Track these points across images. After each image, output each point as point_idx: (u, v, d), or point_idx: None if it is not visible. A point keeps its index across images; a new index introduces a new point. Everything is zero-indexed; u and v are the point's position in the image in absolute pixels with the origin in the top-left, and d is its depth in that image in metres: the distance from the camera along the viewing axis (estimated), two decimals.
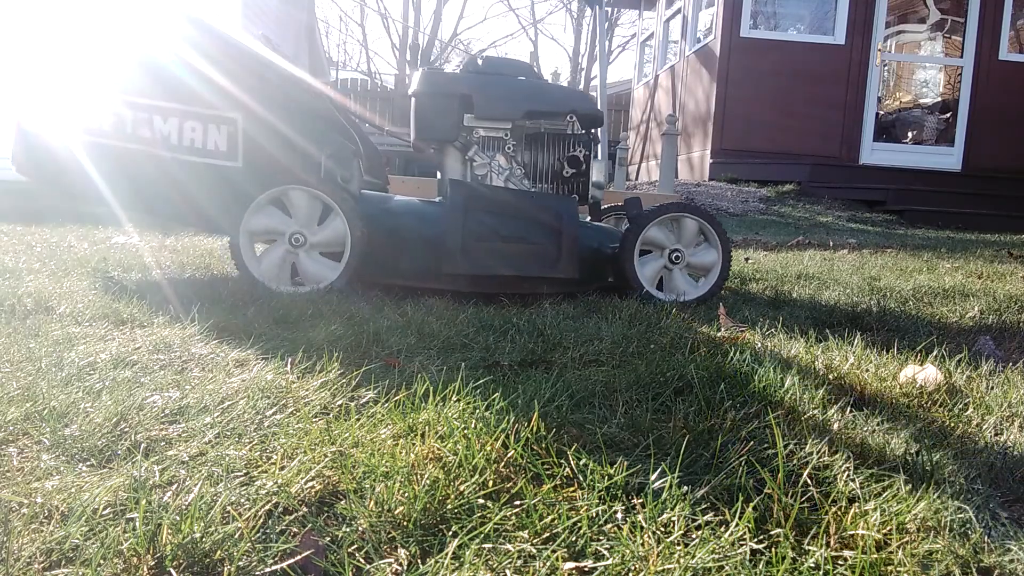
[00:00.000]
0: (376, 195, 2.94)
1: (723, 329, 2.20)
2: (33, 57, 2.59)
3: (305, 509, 1.02)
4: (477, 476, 1.09)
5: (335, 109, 2.90)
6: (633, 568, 0.90)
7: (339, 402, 1.42)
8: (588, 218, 3.16)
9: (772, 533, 0.96)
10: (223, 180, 2.63)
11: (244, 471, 1.11)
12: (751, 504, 1.01)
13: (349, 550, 0.93)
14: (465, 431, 1.20)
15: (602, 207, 3.21)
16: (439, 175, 3.11)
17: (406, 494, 1.02)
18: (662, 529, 0.98)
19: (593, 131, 3.05)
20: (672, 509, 1.01)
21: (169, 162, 2.58)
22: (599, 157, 3.04)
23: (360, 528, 0.97)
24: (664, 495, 1.05)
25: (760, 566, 0.91)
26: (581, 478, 1.11)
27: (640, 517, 1.00)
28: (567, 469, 1.13)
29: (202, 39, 2.64)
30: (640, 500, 1.05)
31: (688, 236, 2.85)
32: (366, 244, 2.65)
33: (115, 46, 2.58)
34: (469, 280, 2.73)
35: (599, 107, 3.06)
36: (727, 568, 0.90)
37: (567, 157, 2.98)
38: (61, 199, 4.75)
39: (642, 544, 0.93)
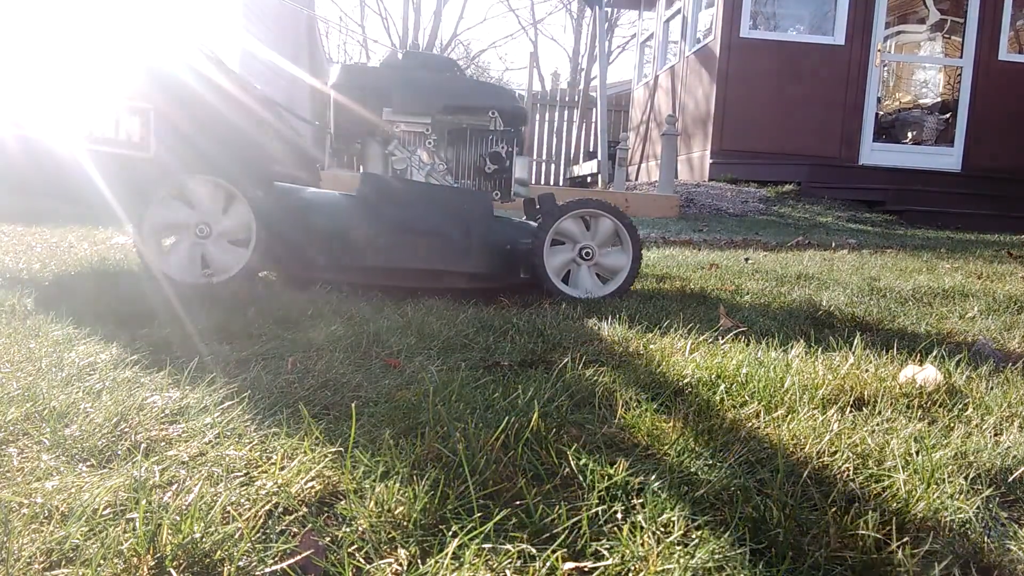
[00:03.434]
0: (288, 186, 2.91)
1: (722, 329, 2.20)
2: None
3: (305, 509, 1.02)
4: (477, 476, 1.09)
5: (263, 102, 2.85)
6: (633, 568, 0.90)
7: (339, 402, 1.42)
8: (523, 217, 3.15)
9: (772, 533, 0.97)
10: (136, 171, 2.58)
11: (244, 471, 1.11)
12: (751, 504, 1.01)
13: (349, 550, 0.93)
14: (465, 431, 1.20)
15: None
16: (360, 169, 3.09)
17: (406, 494, 1.02)
18: (662, 529, 0.98)
19: (518, 128, 3.03)
20: (672, 509, 1.01)
21: (84, 153, 2.53)
22: (523, 154, 3.03)
23: (360, 528, 0.97)
24: (664, 495, 1.05)
25: (760, 566, 0.91)
26: (581, 478, 1.11)
27: (640, 517, 1.00)
28: (567, 469, 1.13)
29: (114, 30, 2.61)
30: (640, 500, 1.05)
31: (603, 236, 2.82)
32: (272, 229, 2.63)
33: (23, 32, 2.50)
34: (380, 273, 2.72)
35: (524, 105, 3.05)
36: (727, 568, 0.90)
37: (489, 153, 2.96)
38: (61, 199, 4.75)
39: (642, 544, 0.93)
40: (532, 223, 3.11)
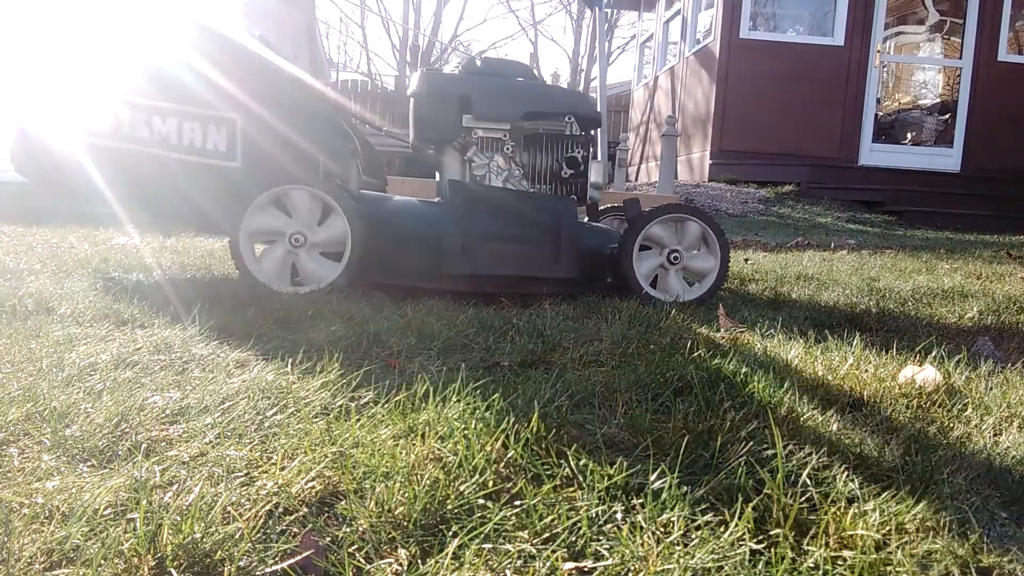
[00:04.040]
0: (375, 195, 2.94)
1: (723, 330, 2.21)
2: (33, 57, 2.59)
3: (305, 509, 1.02)
4: (477, 476, 1.09)
5: (334, 110, 2.90)
6: (633, 568, 0.90)
7: (339, 403, 1.42)
8: (586, 219, 3.17)
9: (771, 533, 0.97)
10: (222, 180, 2.63)
11: (245, 471, 1.11)
12: (750, 504, 1.02)
13: (349, 550, 0.93)
14: (465, 431, 1.20)
15: (600, 208, 3.22)
16: (437, 176, 3.11)
17: (406, 494, 1.02)
18: (662, 529, 0.98)
19: (592, 132, 3.06)
20: (672, 509, 1.01)
21: (168, 162, 2.59)
22: (598, 158, 3.05)
23: (360, 528, 0.97)
24: (664, 495, 1.05)
25: (759, 566, 0.91)
26: (581, 478, 1.11)
27: (640, 517, 1.00)
28: (567, 469, 1.13)
29: (202, 40, 2.65)
30: (640, 500, 1.05)
31: (690, 239, 2.85)
32: (366, 243, 2.65)
33: (117, 47, 2.57)
34: (468, 280, 2.73)
35: (598, 108, 3.06)
36: (726, 568, 0.90)
37: (565, 158, 2.98)
38: (62, 199, 4.75)
39: (642, 544, 0.93)
40: (605, 226, 3.17)
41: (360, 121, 3.03)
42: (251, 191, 2.62)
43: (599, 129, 3.09)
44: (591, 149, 3.02)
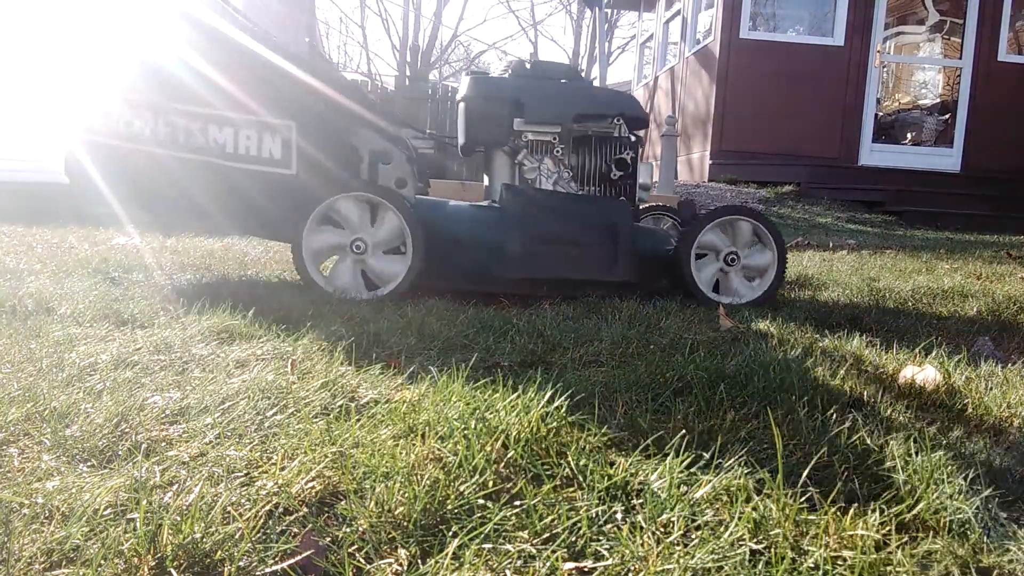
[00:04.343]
0: (431, 200, 2.95)
1: (722, 329, 2.21)
2: (87, 65, 2.58)
3: (305, 509, 1.02)
4: (477, 476, 1.09)
5: (384, 115, 2.92)
6: (633, 568, 0.90)
7: (339, 403, 1.42)
8: None
9: (771, 533, 0.97)
10: (278, 188, 2.63)
11: (245, 471, 1.11)
12: (750, 504, 1.01)
13: (349, 550, 0.93)
14: (465, 432, 1.20)
15: (640, 207, 3.23)
16: (486, 179, 3.12)
17: (406, 494, 1.02)
18: (662, 529, 0.98)
19: (639, 134, 3.06)
20: (672, 509, 1.01)
21: (223, 170, 2.59)
22: (646, 159, 3.06)
23: (360, 528, 0.97)
24: (664, 495, 1.05)
25: (759, 566, 0.91)
26: (581, 478, 1.11)
27: (640, 517, 1.00)
28: (567, 469, 1.13)
29: (255, 47, 2.66)
30: (640, 500, 1.05)
31: (743, 238, 2.84)
32: (425, 234, 2.64)
33: (172, 56, 2.56)
34: (523, 283, 2.75)
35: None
36: (726, 568, 0.90)
37: (615, 160, 2.99)
38: (66, 200, 4.76)
39: (642, 544, 0.93)
40: (655, 227, 3.19)
41: (405, 124, 3.03)
42: (307, 199, 2.62)
43: (646, 131, 3.11)
44: (639, 150, 3.02)
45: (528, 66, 3.01)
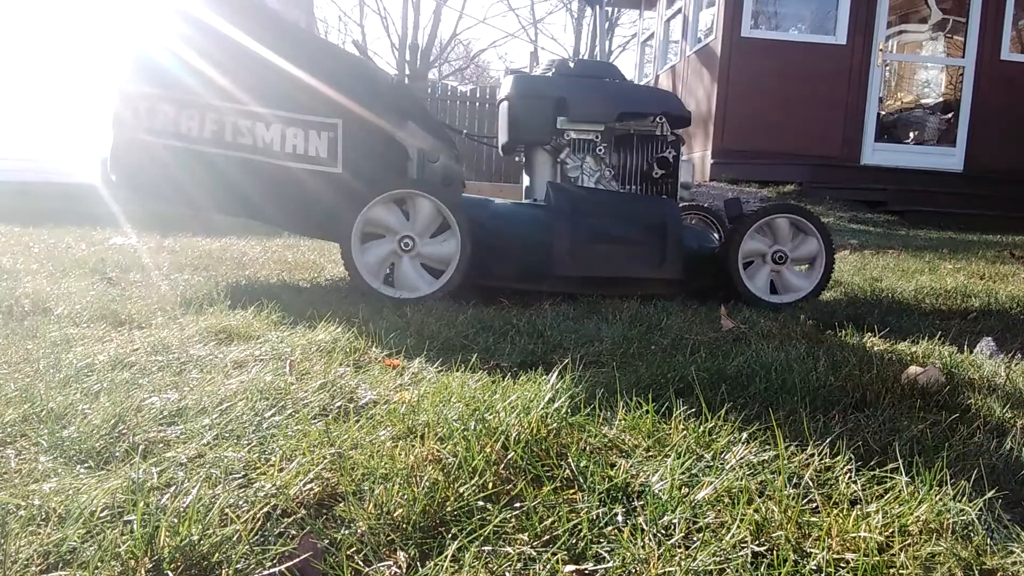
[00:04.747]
0: (478, 199, 2.95)
1: (724, 330, 2.20)
2: (128, 64, 2.57)
3: (304, 511, 1.01)
4: (477, 478, 1.08)
5: (431, 114, 2.92)
6: (634, 570, 0.89)
7: (338, 404, 1.41)
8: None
9: (774, 535, 0.96)
10: (327, 186, 2.62)
11: (242, 473, 1.11)
12: (752, 506, 1.01)
13: (348, 552, 0.92)
14: (465, 433, 1.20)
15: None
16: (527, 178, 3.12)
17: (405, 496, 1.01)
18: (663, 531, 0.97)
19: (679, 131, 3.07)
20: (673, 511, 1.01)
21: (270, 168, 2.59)
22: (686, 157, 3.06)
23: (359, 530, 0.97)
24: (665, 497, 1.04)
25: (761, 569, 0.90)
26: (581, 480, 1.10)
27: (641, 519, 0.99)
28: (567, 471, 1.13)
29: (308, 46, 2.66)
30: (641, 502, 1.04)
31: (783, 234, 2.84)
32: (468, 264, 2.63)
33: (219, 54, 2.55)
34: (572, 282, 2.74)
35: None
36: (728, 571, 0.89)
37: (656, 158, 2.98)
38: (68, 201, 4.76)
39: (643, 546, 0.93)
40: (704, 229, 3.22)
41: (443, 124, 3.03)
42: (354, 197, 2.61)
43: (687, 129, 3.12)
44: (680, 148, 3.02)
45: (571, 64, 3.00)
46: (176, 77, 2.54)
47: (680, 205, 3.38)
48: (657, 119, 2.99)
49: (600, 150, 2.94)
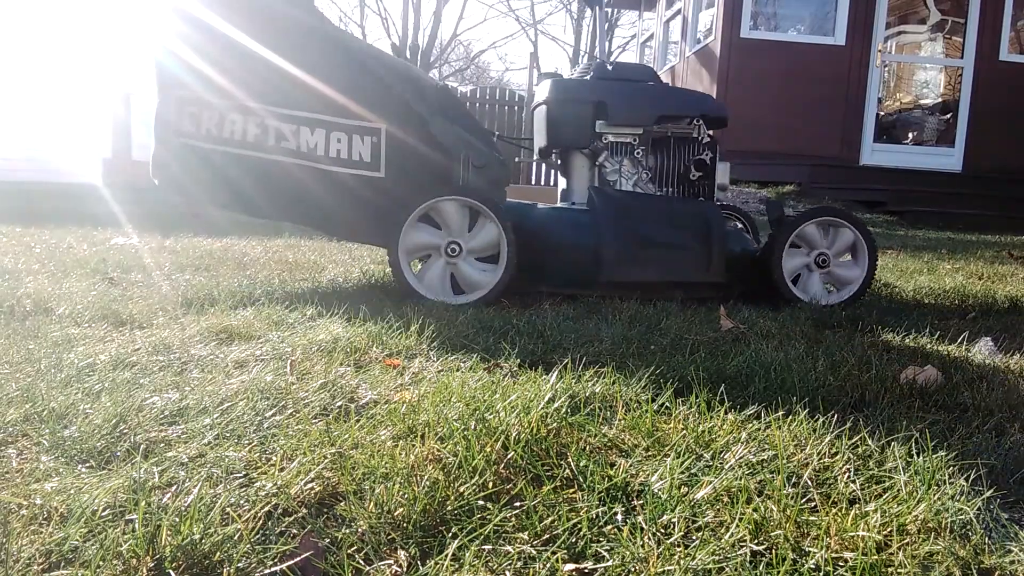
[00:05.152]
0: (521, 204, 2.94)
1: (723, 330, 2.20)
2: (173, 66, 2.57)
3: (304, 511, 1.02)
4: (477, 477, 1.08)
5: (474, 118, 2.91)
6: (633, 569, 0.90)
7: (339, 403, 1.42)
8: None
9: (772, 535, 0.96)
10: (370, 191, 2.62)
11: (243, 472, 1.11)
12: (751, 505, 1.01)
13: (349, 551, 0.93)
14: (465, 432, 1.20)
15: None
16: (562, 182, 3.11)
17: (406, 495, 1.02)
18: (662, 530, 0.98)
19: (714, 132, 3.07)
20: (672, 510, 1.01)
21: (313, 172, 2.59)
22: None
23: (360, 530, 0.97)
24: (664, 496, 1.04)
25: (760, 568, 0.91)
26: (581, 479, 1.11)
27: (640, 518, 1.00)
28: (567, 470, 1.13)
29: (351, 50, 2.65)
30: (640, 501, 1.04)
31: (840, 246, 2.83)
32: (520, 245, 2.62)
33: (264, 58, 2.54)
34: (619, 286, 2.74)
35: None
36: (727, 569, 0.89)
37: (694, 160, 2.97)
38: (68, 202, 4.76)
39: (642, 545, 0.93)
40: (743, 231, 3.22)
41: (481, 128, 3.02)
42: (397, 202, 2.60)
43: (725, 129, 3.11)
44: (717, 150, 3.01)
45: (609, 67, 2.99)
46: (219, 82, 2.54)
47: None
48: (695, 121, 2.98)
49: (638, 153, 2.94)
